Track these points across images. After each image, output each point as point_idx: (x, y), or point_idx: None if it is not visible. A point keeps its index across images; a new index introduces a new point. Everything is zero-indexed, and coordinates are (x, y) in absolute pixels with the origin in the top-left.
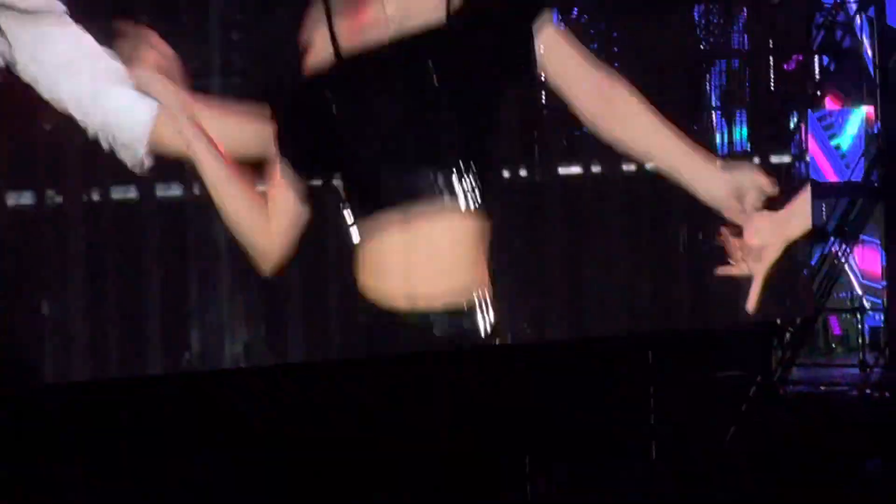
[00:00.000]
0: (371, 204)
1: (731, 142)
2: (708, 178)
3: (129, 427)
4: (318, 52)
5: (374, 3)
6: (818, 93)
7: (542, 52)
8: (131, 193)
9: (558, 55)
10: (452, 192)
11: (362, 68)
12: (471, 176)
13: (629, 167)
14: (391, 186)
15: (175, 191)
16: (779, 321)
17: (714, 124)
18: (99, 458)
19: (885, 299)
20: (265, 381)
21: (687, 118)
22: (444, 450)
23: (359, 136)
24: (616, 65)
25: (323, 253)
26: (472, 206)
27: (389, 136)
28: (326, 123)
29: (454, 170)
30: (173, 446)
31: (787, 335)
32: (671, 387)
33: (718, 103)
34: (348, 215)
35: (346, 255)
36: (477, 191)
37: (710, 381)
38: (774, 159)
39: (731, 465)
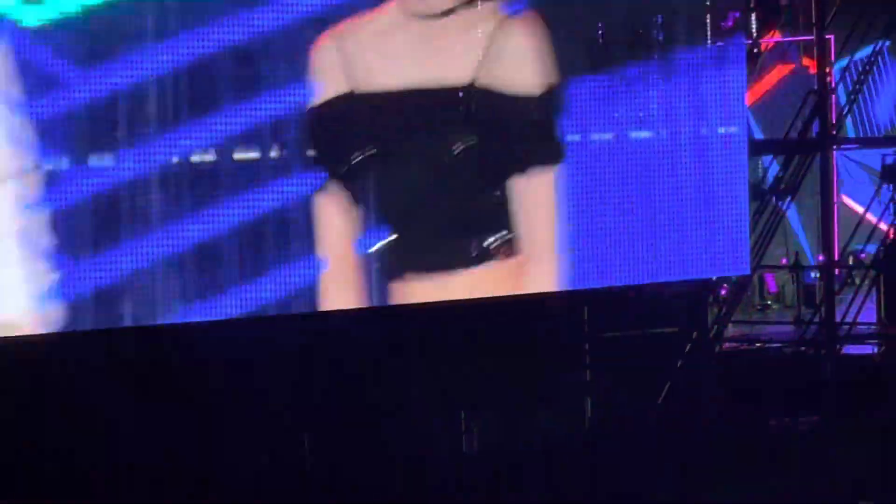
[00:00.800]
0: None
1: (669, 101)
2: None
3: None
4: None
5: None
6: (755, 50)
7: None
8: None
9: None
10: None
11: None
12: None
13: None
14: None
15: None
16: (714, 278)
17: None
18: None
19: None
20: None
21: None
22: (381, 407)
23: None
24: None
25: None
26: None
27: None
28: None
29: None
30: None
31: (723, 292)
32: (606, 343)
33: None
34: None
35: None
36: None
37: (645, 337)
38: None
39: (663, 422)
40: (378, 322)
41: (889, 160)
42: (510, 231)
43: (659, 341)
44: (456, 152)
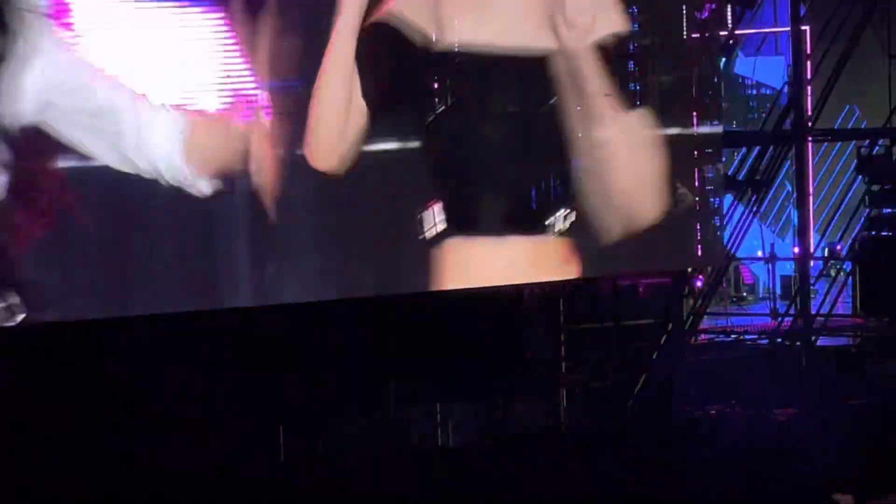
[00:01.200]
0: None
1: (643, 93)
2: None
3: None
4: None
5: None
6: (731, 41)
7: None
8: None
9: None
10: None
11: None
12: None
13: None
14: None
15: None
16: (690, 269)
17: (629, 72)
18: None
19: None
20: None
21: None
22: (356, 398)
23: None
24: None
25: None
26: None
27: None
28: None
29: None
30: None
31: (698, 284)
32: (582, 335)
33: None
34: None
35: None
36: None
37: (620, 329)
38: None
39: (639, 413)
40: (352, 313)
41: (864, 152)
42: (572, 209)
43: (634, 333)
44: (538, 112)
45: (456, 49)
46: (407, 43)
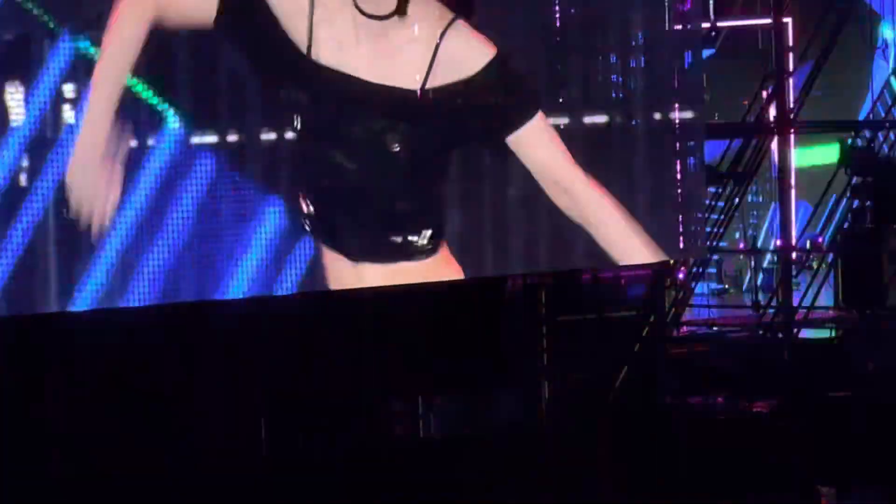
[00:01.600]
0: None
1: (625, 84)
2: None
3: None
4: None
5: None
6: (713, 33)
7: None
8: None
9: (543, 150)
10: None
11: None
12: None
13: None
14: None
15: None
16: (672, 262)
17: (610, 66)
18: None
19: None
20: None
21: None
22: (338, 391)
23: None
24: None
25: None
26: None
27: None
28: None
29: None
30: None
31: (680, 276)
32: (563, 327)
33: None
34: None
35: None
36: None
37: (602, 321)
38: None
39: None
40: (334, 306)
41: (847, 145)
42: (434, 230)
43: (616, 325)
44: (396, 147)
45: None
46: None
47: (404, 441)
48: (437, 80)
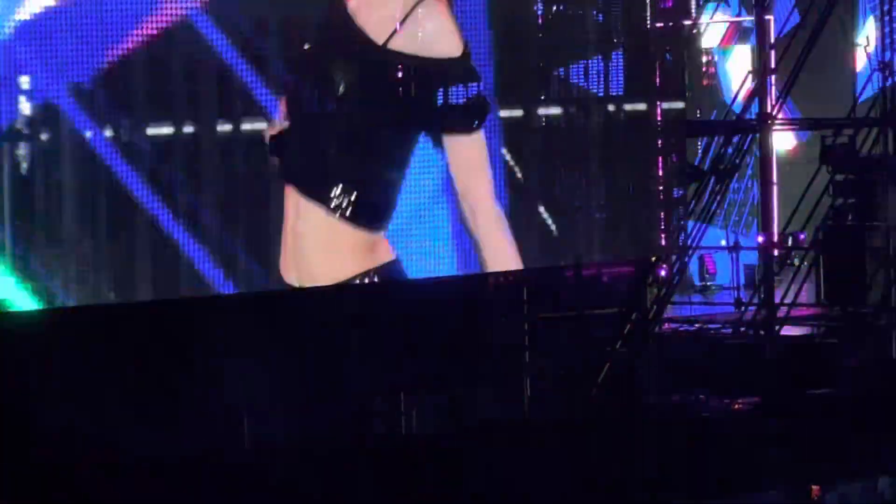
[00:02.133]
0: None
1: (607, 81)
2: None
3: None
4: None
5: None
6: (695, 31)
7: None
8: None
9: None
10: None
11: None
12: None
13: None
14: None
15: None
16: (653, 259)
17: (590, 64)
18: None
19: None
20: None
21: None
22: (319, 387)
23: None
24: None
25: None
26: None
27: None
28: None
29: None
30: None
31: (662, 272)
32: (545, 323)
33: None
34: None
35: None
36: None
37: (584, 318)
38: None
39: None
40: (316, 301)
41: (828, 142)
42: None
43: (598, 322)
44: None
45: None
46: None
47: (386, 438)
48: (398, 43)
